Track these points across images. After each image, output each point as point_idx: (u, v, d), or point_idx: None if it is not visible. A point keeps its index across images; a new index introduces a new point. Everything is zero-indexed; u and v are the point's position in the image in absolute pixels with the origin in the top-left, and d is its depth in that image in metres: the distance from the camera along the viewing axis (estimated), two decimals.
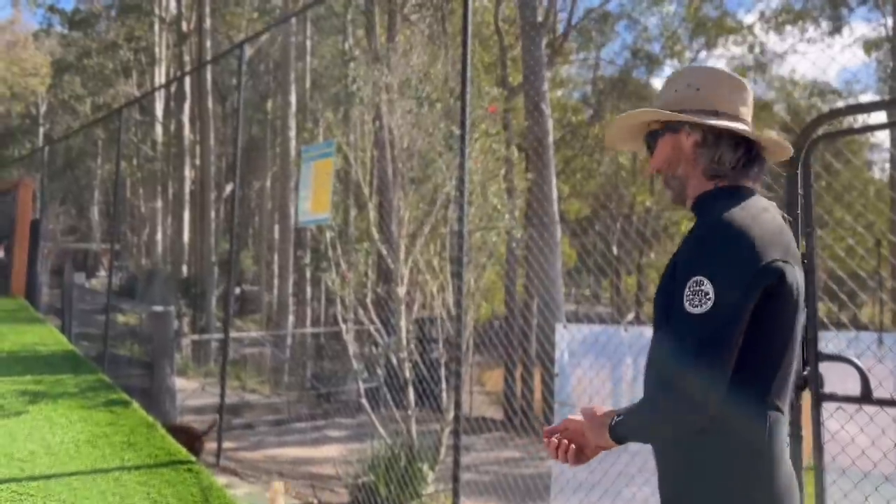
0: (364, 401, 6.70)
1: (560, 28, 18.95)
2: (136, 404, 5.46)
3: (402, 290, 6.48)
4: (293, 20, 18.16)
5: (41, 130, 34.86)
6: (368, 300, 6.85)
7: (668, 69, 22.67)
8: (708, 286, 1.28)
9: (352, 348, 7.21)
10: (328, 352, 14.20)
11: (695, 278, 1.30)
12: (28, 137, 34.30)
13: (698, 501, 1.36)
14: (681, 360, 1.28)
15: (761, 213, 1.40)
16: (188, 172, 21.47)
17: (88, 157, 28.74)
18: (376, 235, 6.79)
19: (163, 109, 25.05)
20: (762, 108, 22.97)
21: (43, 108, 37.19)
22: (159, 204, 26.15)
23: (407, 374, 6.41)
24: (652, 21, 22.42)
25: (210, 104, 19.42)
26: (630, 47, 22.77)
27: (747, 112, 1.54)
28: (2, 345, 7.35)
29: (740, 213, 1.37)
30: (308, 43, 22.14)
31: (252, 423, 11.61)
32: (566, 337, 4.12)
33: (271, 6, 23.26)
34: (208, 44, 19.29)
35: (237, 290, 25.87)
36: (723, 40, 22.35)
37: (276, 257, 21.00)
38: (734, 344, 1.28)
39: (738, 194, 1.45)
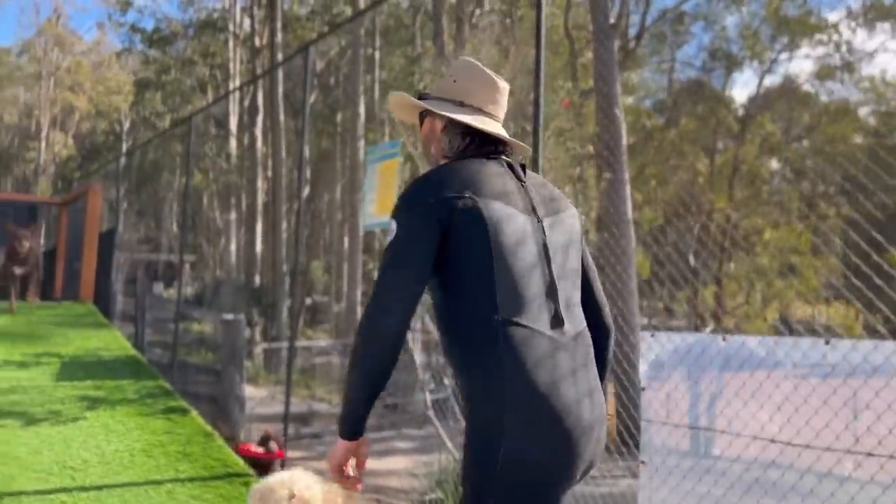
0: (431, 413, 6.40)
1: (632, 32, 18.40)
2: (194, 412, 5.30)
3: None
4: (361, 31, 18.21)
5: (124, 146, 36.29)
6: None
7: (749, 71, 21.76)
8: (394, 224, 1.55)
9: (418, 358, 6.92)
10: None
11: (391, 222, 1.57)
12: (112, 153, 35.73)
13: (465, 405, 1.54)
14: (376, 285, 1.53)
15: (457, 165, 1.62)
16: (261, 184, 21.81)
17: (166, 169, 29.69)
18: None
19: (237, 123, 25.63)
20: (845, 113, 21.52)
21: (126, 125, 38.76)
22: (233, 216, 26.70)
23: None
24: (730, 20, 21.54)
25: (282, 117, 19.68)
26: (707, 48, 21.88)
27: (494, 107, 1.75)
28: (66, 349, 7.37)
29: (431, 171, 1.64)
30: (377, 55, 22.23)
31: (320, 432, 11.48)
32: (654, 347, 3.73)
33: (342, 20, 23.52)
34: (279, 57, 19.59)
35: (308, 301, 26.12)
36: (807, 40, 21.22)
37: (345, 267, 21.06)
38: (413, 262, 1.52)
39: (449, 163, 1.67)
